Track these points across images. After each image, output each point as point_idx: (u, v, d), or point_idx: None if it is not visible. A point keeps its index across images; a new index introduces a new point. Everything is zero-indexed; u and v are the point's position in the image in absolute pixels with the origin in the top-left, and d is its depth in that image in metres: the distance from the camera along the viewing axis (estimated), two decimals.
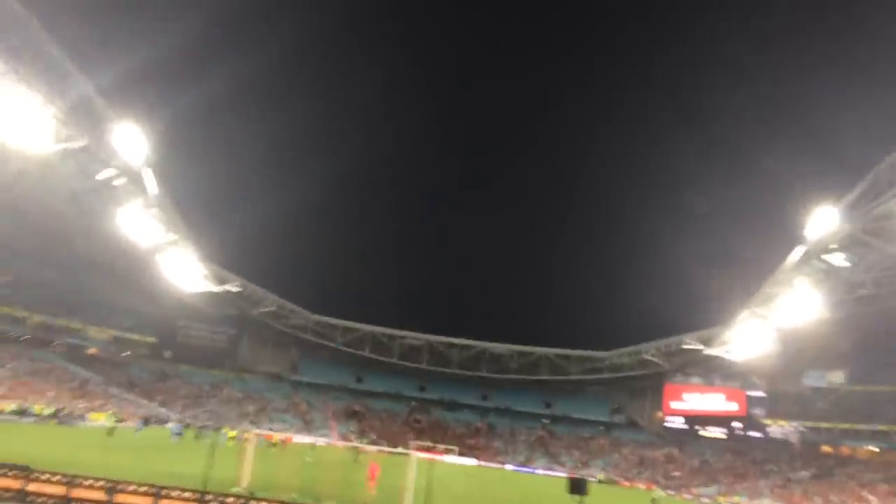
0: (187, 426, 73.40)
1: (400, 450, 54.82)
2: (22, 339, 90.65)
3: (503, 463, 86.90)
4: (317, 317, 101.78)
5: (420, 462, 29.16)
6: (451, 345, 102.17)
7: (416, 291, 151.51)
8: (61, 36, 53.35)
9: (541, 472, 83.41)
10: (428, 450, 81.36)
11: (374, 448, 62.92)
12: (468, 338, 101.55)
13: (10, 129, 54.25)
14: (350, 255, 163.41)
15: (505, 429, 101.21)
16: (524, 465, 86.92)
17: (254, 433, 34.39)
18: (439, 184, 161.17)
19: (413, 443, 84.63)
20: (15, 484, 19.94)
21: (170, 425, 70.66)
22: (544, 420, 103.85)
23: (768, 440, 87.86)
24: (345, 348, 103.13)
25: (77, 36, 56.88)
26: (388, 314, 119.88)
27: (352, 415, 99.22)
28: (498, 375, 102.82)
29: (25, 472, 20.34)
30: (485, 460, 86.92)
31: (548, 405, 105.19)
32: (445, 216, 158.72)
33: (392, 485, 27.29)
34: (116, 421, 67.47)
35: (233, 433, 60.46)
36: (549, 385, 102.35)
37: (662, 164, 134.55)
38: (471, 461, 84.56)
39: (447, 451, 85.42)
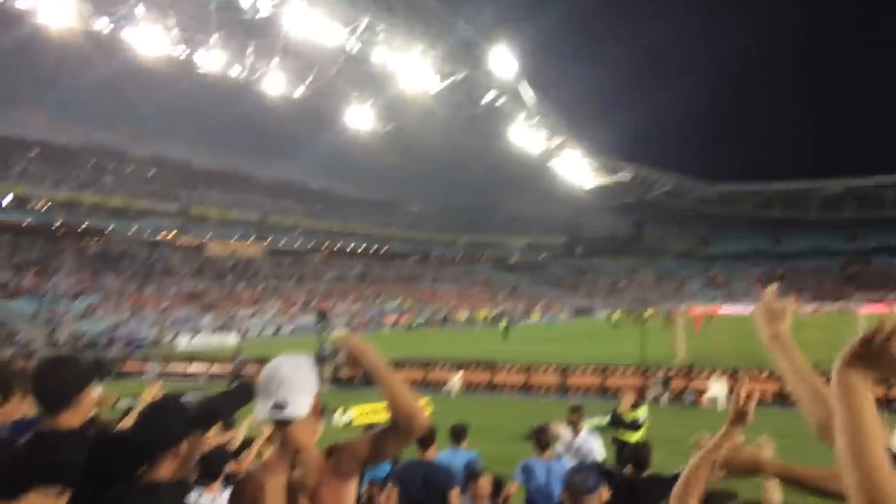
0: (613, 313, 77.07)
1: (839, 306, 50.46)
2: (457, 258, 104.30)
3: None
4: (718, 186, 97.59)
5: (868, 317, 26.55)
6: (883, 185, 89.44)
7: (823, 135, 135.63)
8: None
9: None
10: (877, 302, 73.29)
11: (809, 308, 58.96)
12: None
13: (399, 77, 62.01)
14: (741, 114, 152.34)
15: None
16: None
17: (679, 310, 34.82)
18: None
19: (855, 297, 77.05)
20: (485, 376, 23.46)
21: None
22: None
23: None
24: (755, 212, 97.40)
25: None
26: (796, 167, 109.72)
27: (777, 278, 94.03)
28: None
29: (490, 365, 23.74)
30: None
31: None
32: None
33: (837, 344, 25.50)
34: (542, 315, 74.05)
35: (650, 311, 61.81)
36: None
37: None
38: None
39: None
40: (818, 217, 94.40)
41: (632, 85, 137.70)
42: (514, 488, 6.21)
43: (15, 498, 2.43)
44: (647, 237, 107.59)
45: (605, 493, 4.78)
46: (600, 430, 13.22)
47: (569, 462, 6.29)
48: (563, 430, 7.58)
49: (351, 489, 2.31)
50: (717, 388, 19.19)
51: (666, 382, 20.08)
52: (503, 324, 49.42)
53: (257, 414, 2.26)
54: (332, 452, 2.25)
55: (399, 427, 2.22)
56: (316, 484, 2.18)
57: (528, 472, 6.09)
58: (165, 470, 2.39)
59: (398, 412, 2.20)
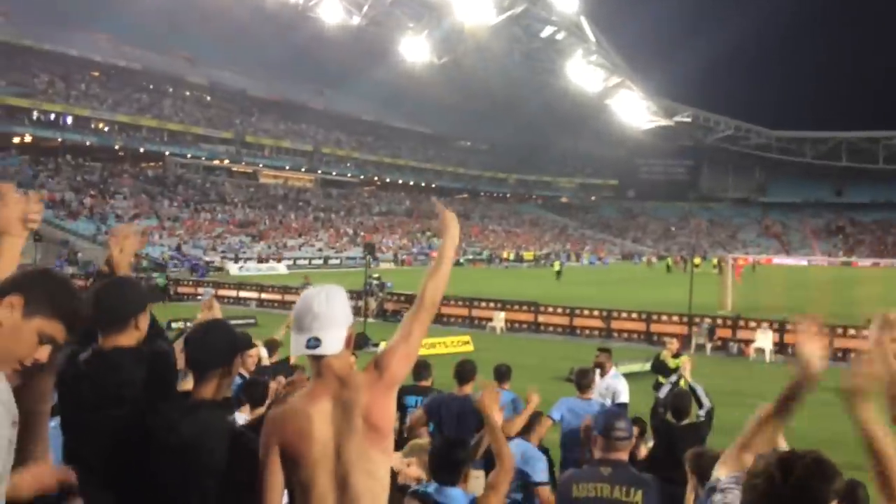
0: (661, 258, 76.13)
1: None
2: (506, 196, 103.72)
3: None
4: (779, 132, 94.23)
5: None
6: None
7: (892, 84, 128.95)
8: None
9: None
10: None
11: (867, 262, 57.36)
12: None
13: (457, 8, 60.67)
14: (808, 60, 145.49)
15: None
16: None
17: (728, 258, 34.13)
18: None
19: None
20: (529, 317, 23.56)
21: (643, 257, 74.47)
22: None
23: None
24: (817, 161, 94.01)
25: None
26: (864, 116, 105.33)
27: (835, 231, 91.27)
28: None
29: (535, 306, 23.80)
30: None
31: None
32: None
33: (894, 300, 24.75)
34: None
35: (698, 260, 60.89)
36: None
37: None
38: None
39: None
40: (885, 168, 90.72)
41: (695, 25, 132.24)
42: (548, 425, 6.23)
43: (75, 414, 2.52)
44: (703, 182, 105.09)
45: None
46: (641, 374, 13.27)
47: (606, 404, 6.32)
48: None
49: (394, 401, 2.37)
50: (764, 340, 18.88)
51: (711, 331, 19.86)
52: (556, 265, 49.22)
53: (292, 349, 2.30)
54: (378, 364, 2.27)
55: (424, 305, 2.33)
56: (367, 401, 2.21)
57: (566, 411, 6.11)
58: (210, 389, 2.46)
59: (431, 294, 2.34)
